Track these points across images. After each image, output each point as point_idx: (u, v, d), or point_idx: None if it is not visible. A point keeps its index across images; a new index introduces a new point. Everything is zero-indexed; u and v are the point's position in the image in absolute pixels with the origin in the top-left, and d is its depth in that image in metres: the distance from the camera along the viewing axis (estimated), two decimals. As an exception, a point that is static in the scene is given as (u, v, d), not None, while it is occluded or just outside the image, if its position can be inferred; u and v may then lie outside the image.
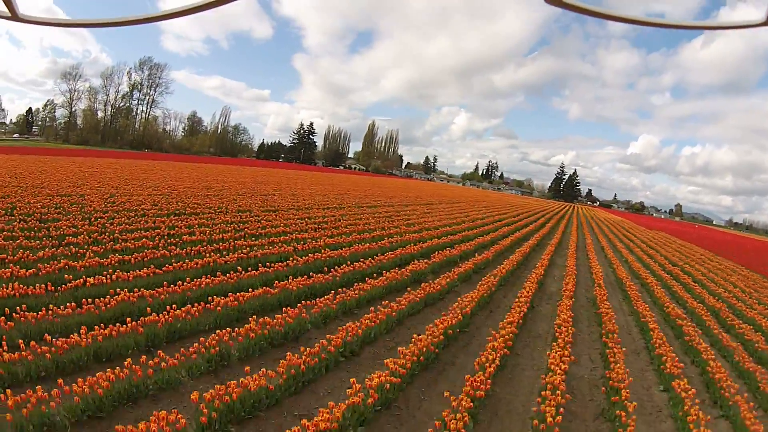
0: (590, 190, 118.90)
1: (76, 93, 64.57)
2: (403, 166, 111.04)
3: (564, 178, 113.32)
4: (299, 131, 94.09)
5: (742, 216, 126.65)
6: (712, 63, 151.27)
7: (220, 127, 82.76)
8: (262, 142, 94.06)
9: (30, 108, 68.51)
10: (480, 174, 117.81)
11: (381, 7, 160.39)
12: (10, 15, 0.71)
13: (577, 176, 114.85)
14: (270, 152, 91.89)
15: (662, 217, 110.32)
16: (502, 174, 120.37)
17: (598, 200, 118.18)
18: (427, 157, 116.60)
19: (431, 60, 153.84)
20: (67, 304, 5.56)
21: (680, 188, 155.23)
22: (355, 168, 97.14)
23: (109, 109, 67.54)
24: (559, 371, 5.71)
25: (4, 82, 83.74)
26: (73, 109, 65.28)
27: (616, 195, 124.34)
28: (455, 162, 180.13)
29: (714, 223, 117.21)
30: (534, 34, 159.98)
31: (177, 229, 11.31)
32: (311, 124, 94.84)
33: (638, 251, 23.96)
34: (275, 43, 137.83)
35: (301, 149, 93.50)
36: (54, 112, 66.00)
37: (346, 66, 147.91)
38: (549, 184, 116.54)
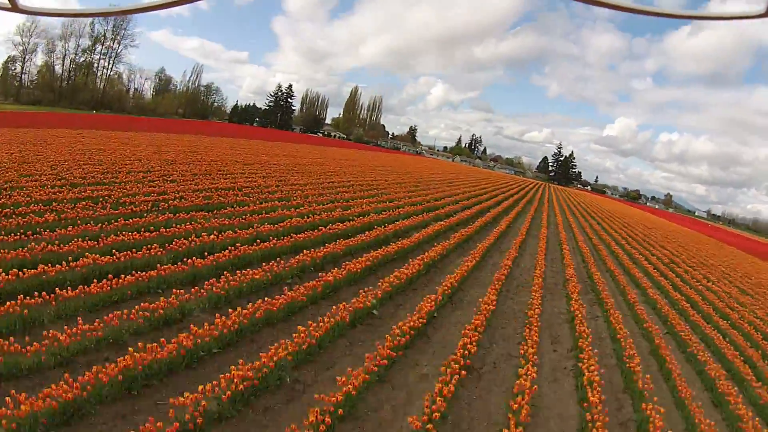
0: (580, 173, 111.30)
1: (31, 46, 57.84)
2: (389, 137, 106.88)
3: (560, 159, 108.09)
4: (276, 93, 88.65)
5: (717, 206, 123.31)
6: (698, 53, 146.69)
7: (190, 86, 76.93)
8: (236, 104, 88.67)
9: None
10: (463, 147, 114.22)
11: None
12: (10, 6, 0.73)
13: (573, 158, 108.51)
14: (244, 115, 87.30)
15: (656, 207, 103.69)
16: (485, 149, 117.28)
17: (590, 184, 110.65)
18: (411, 128, 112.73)
19: (413, 28, 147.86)
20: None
21: (654, 173, 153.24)
22: (335, 136, 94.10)
23: (68, 63, 60.95)
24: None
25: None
26: (26, 65, 58.80)
27: (597, 178, 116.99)
28: (428, 132, 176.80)
29: (696, 214, 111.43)
30: (519, 9, 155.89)
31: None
32: (290, 86, 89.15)
33: None
34: (256, 5, 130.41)
35: (278, 113, 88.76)
36: (14, 69, 58.95)
37: (326, 31, 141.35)
38: (538, 163, 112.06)
